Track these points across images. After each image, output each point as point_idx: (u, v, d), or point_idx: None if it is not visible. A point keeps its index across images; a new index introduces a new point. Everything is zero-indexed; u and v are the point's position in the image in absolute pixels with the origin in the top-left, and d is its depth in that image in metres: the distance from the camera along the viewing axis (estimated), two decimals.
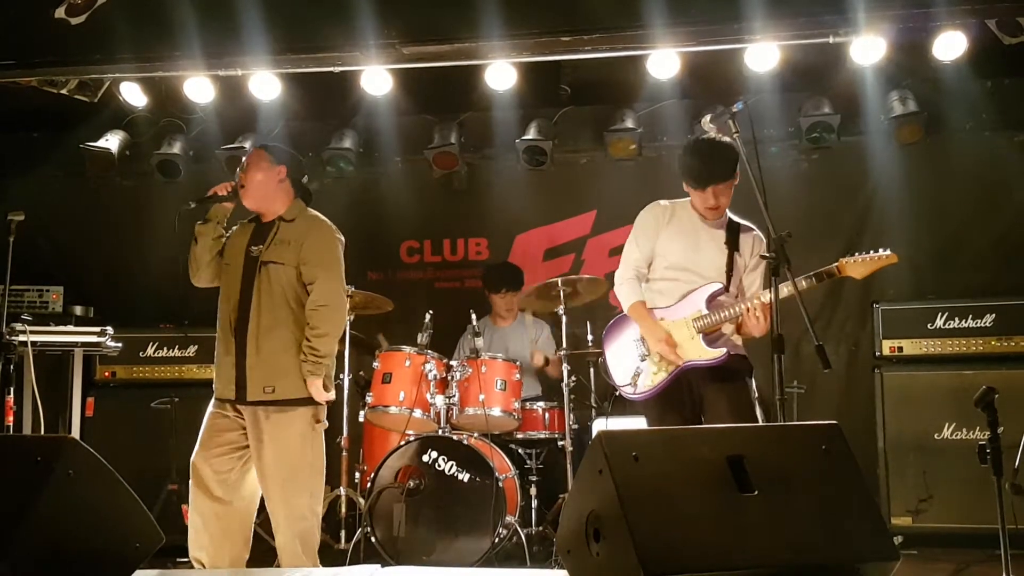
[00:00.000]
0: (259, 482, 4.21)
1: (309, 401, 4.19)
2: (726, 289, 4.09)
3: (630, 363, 4.23)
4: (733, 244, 4.15)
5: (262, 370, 4.14)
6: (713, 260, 4.14)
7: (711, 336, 4.07)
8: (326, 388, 4.22)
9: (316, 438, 4.27)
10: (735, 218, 4.24)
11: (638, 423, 5.29)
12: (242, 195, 4.32)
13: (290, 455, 4.16)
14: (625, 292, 4.28)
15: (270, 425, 4.15)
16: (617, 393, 5.39)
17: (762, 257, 3.75)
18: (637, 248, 4.30)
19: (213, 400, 4.27)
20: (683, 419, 4.08)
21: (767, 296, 3.88)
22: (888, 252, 3.80)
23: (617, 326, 4.38)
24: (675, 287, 4.17)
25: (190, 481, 4.20)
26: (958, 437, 5.38)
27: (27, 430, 4.77)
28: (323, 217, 4.43)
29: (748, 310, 3.93)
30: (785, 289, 3.60)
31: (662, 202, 4.33)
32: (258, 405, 4.16)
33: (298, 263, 4.23)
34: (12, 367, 4.54)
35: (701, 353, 4.04)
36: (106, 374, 6.06)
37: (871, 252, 3.81)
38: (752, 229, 4.22)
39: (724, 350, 4.03)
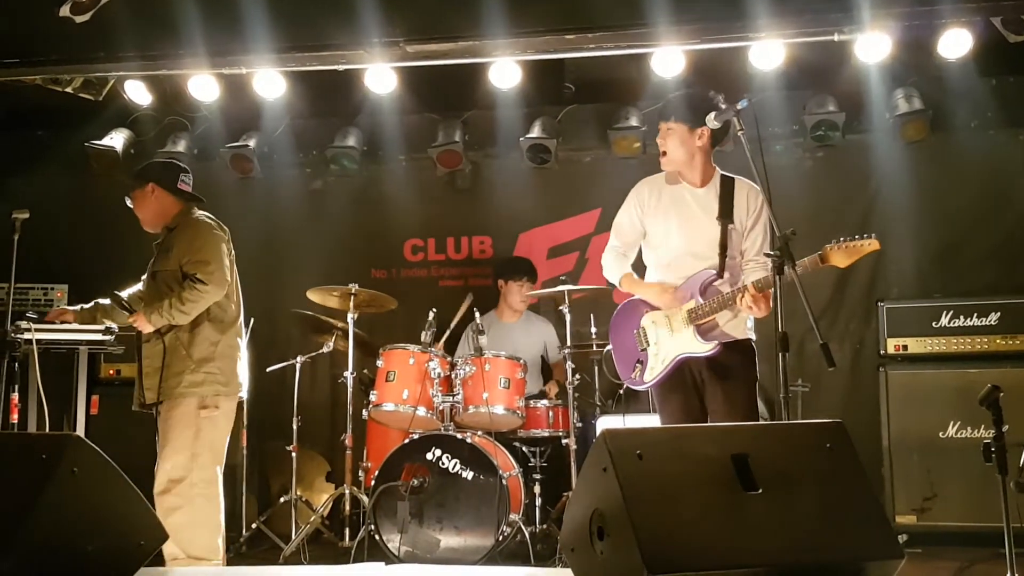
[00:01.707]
0: None
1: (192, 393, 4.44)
2: (720, 274, 4.03)
3: (632, 354, 4.23)
4: (727, 213, 4.06)
5: (152, 376, 4.46)
6: (705, 235, 4.07)
7: (704, 327, 4.03)
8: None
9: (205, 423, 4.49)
10: (727, 175, 4.15)
11: (644, 421, 5.30)
12: (143, 226, 4.70)
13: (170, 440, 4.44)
14: (611, 268, 4.29)
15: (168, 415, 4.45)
16: (623, 389, 5.41)
17: (766, 255, 3.71)
18: (617, 236, 4.30)
19: None
20: (687, 405, 4.08)
21: (754, 277, 3.88)
22: (872, 239, 3.75)
23: (620, 319, 4.36)
24: (672, 273, 4.13)
25: None
26: (963, 435, 5.37)
27: (32, 428, 4.76)
28: (203, 217, 4.64)
29: (740, 298, 3.88)
30: (767, 279, 3.61)
31: (648, 180, 4.28)
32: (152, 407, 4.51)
33: (179, 264, 4.47)
34: (17, 365, 4.54)
35: (694, 347, 4.02)
36: (111, 372, 6.08)
37: (856, 239, 3.76)
38: (745, 182, 4.11)
39: (715, 343, 3.98)
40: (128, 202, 4.67)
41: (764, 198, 3.85)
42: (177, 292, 4.40)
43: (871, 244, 3.71)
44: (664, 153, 4.14)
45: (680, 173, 4.18)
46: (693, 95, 4.15)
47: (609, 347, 4.55)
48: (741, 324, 4.10)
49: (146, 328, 4.43)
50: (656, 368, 4.10)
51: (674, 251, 4.14)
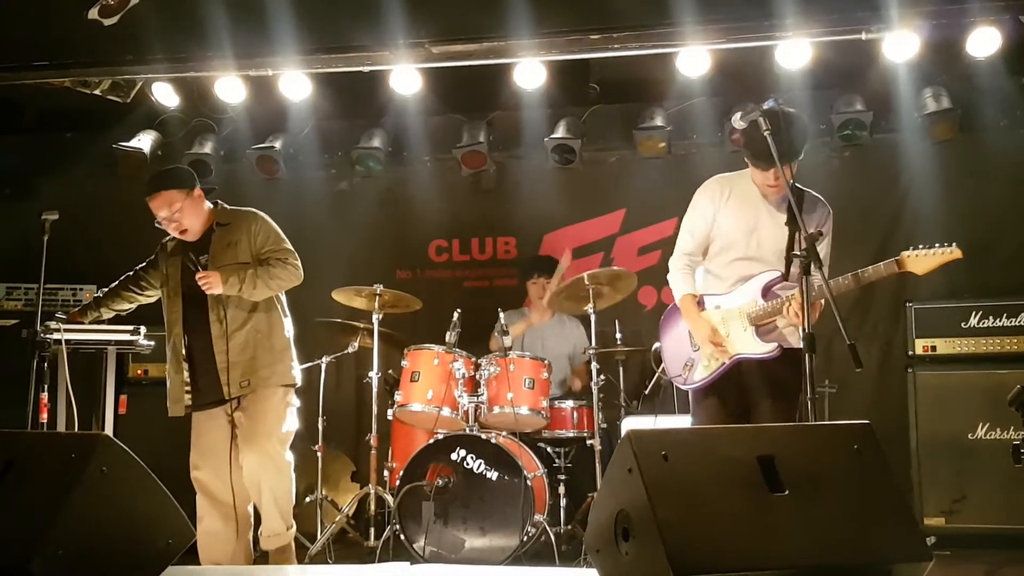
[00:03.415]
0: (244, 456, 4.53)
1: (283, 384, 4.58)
2: (785, 277, 3.90)
3: (683, 353, 4.19)
4: (796, 220, 4.02)
5: (237, 369, 4.47)
6: (774, 242, 3.96)
7: (763, 328, 3.97)
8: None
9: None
10: (800, 187, 4.05)
11: (670, 422, 5.29)
12: (186, 237, 4.56)
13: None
14: (676, 283, 4.20)
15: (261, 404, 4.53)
16: (646, 392, 5.39)
17: (793, 256, 3.67)
18: (691, 237, 4.19)
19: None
20: (728, 413, 4.02)
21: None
22: (953, 247, 3.68)
23: (673, 315, 4.32)
24: (732, 271, 4.06)
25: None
26: (992, 437, 5.32)
27: (61, 427, 4.81)
28: (248, 208, 4.73)
29: (787, 307, 3.81)
30: (839, 282, 3.58)
31: (719, 178, 4.19)
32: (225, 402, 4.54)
33: (254, 255, 4.53)
34: (46, 365, 4.59)
35: (752, 347, 3.96)
36: (139, 372, 6.13)
37: (936, 247, 3.71)
38: (818, 199, 4.04)
39: (775, 344, 3.92)
40: (168, 218, 4.49)
41: (832, 218, 3.81)
42: (265, 267, 4.47)
43: (953, 253, 3.66)
44: (778, 186, 3.95)
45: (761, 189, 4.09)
46: (802, 127, 3.95)
47: (657, 344, 4.50)
48: (796, 331, 3.97)
49: (216, 288, 4.41)
50: (709, 368, 4.06)
51: (735, 252, 4.07)
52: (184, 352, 4.57)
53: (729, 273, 4.08)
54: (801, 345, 3.95)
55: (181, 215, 4.50)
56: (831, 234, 4.02)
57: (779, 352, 3.93)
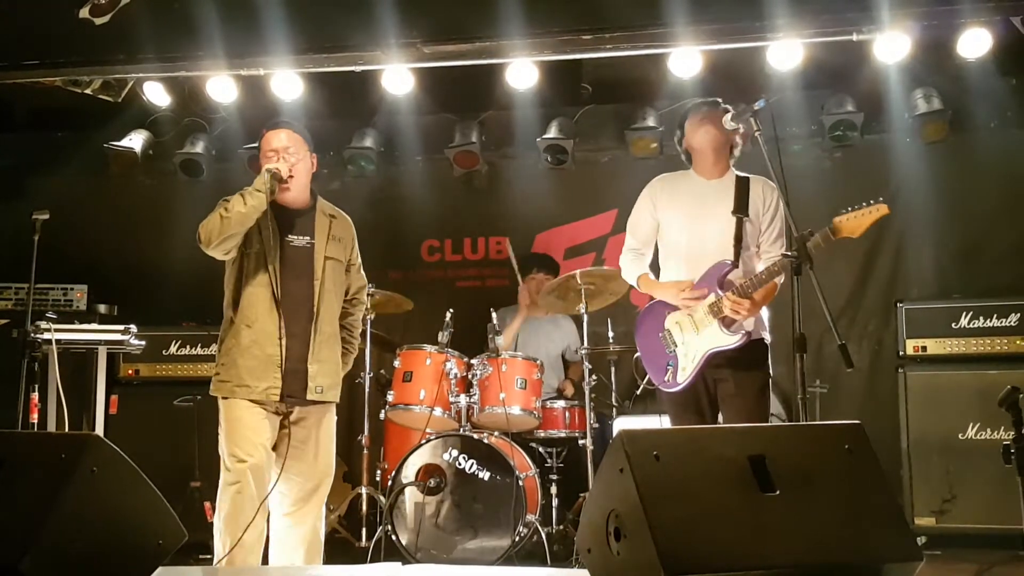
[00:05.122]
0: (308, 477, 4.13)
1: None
2: (735, 265, 4.01)
3: (661, 358, 4.21)
4: (742, 208, 4.06)
5: (323, 366, 4.05)
6: (720, 230, 4.06)
7: (728, 319, 3.99)
8: None
9: None
10: (741, 174, 4.16)
11: (661, 421, 5.29)
12: (282, 189, 4.06)
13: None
14: (628, 269, 4.30)
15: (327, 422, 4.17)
16: (637, 392, 5.40)
17: (784, 256, 3.69)
18: (634, 237, 4.31)
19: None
20: (702, 412, 4.08)
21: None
22: (880, 203, 3.70)
23: (643, 323, 4.34)
24: (688, 267, 4.11)
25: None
26: (982, 437, 5.34)
27: (51, 427, 4.80)
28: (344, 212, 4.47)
29: (723, 303, 3.91)
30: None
31: (662, 177, 4.32)
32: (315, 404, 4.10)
33: (347, 262, 4.30)
34: (37, 365, 4.58)
35: (721, 339, 3.99)
36: (129, 372, 6.10)
37: (863, 205, 3.73)
38: (759, 179, 4.12)
39: (743, 333, 3.96)
40: (282, 150, 4.14)
41: (779, 192, 3.85)
42: (351, 341, 4.32)
43: (880, 209, 3.69)
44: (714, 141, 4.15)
45: (701, 163, 4.20)
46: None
47: (638, 353, 4.52)
48: (758, 320, 4.09)
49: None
50: (688, 368, 4.07)
51: (688, 246, 4.13)
52: (280, 329, 3.96)
53: (687, 266, 4.13)
54: (763, 336, 4.11)
55: (296, 159, 4.14)
56: (781, 210, 4.04)
57: (746, 340, 3.97)
